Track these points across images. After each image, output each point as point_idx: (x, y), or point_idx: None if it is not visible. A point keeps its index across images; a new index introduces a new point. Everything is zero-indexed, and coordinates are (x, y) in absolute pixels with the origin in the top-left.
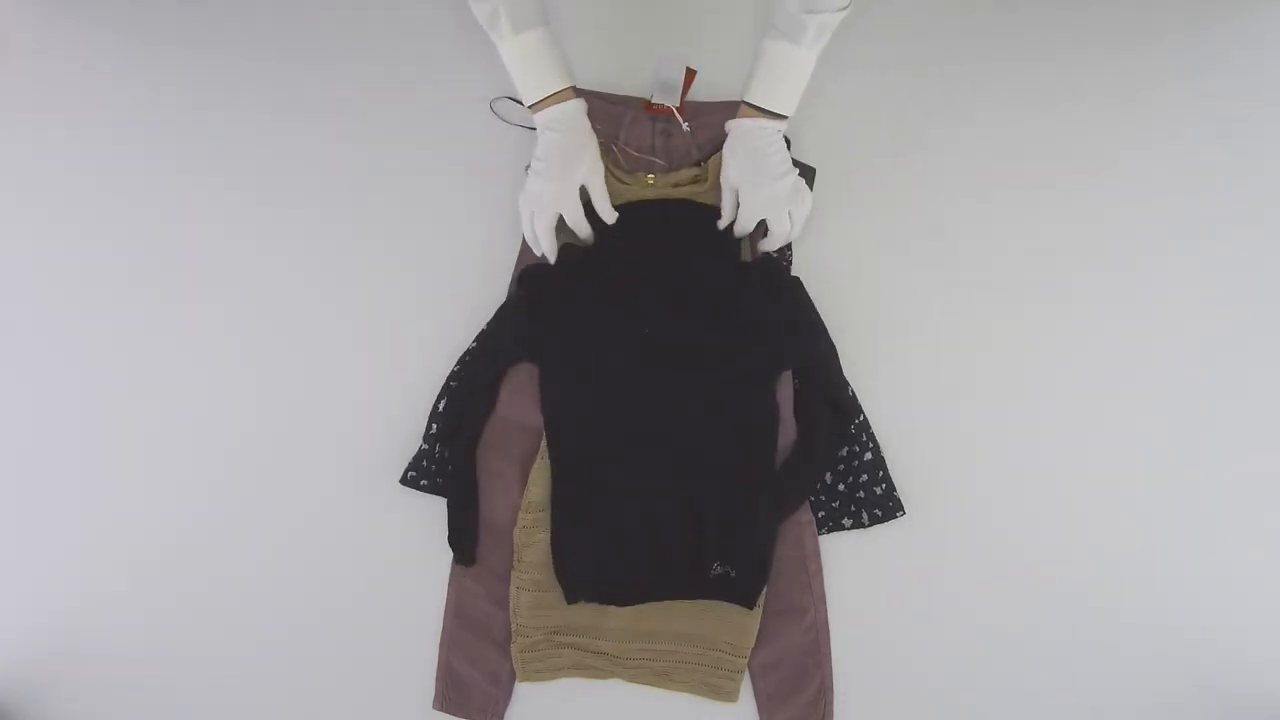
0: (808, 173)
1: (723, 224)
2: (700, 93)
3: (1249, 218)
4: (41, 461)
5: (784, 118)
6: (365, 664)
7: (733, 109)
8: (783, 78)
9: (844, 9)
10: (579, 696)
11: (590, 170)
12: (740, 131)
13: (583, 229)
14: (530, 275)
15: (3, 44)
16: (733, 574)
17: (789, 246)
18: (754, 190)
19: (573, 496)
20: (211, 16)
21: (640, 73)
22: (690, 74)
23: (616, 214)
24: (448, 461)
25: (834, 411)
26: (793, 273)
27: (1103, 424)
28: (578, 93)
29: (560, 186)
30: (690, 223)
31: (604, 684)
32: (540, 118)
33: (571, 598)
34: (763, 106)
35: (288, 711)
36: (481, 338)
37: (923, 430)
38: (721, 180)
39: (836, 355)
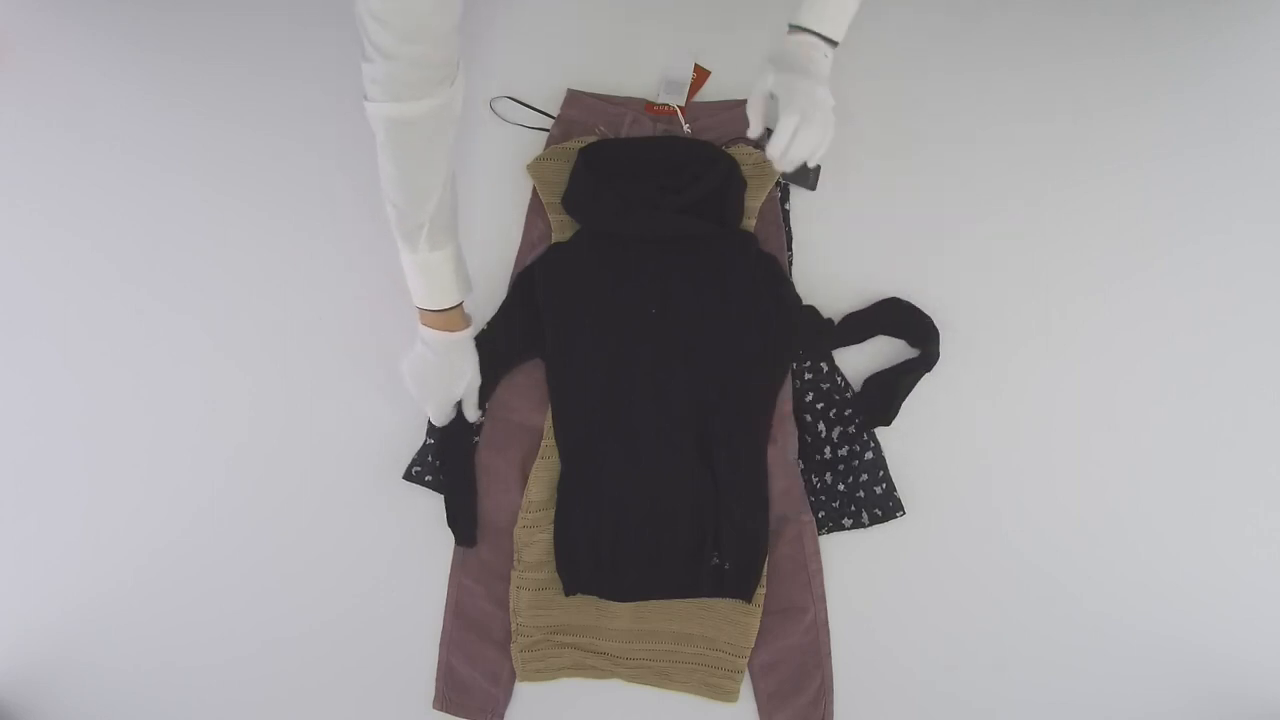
0: (814, 169)
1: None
2: (700, 94)
3: (1249, 221)
4: (41, 462)
5: (832, 44)
6: (365, 664)
7: (733, 109)
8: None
9: None
10: (579, 696)
11: (467, 389)
12: (783, 48)
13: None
14: (529, 274)
15: (3, 44)
16: (726, 566)
17: (790, 242)
18: (797, 93)
19: (578, 489)
20: (211, 18)
21: (641, 74)
22: (701, 74)
23: (480, 413)
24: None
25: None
26: (794, 270)
27: (1103, 425)
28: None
29: (433, 403)
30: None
31: (604, 684)
32: (422, 328)
33: (570, 589)
34: (810, 28)
35: (288, 711)
36: (481, 338)
37: (923, 430)
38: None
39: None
